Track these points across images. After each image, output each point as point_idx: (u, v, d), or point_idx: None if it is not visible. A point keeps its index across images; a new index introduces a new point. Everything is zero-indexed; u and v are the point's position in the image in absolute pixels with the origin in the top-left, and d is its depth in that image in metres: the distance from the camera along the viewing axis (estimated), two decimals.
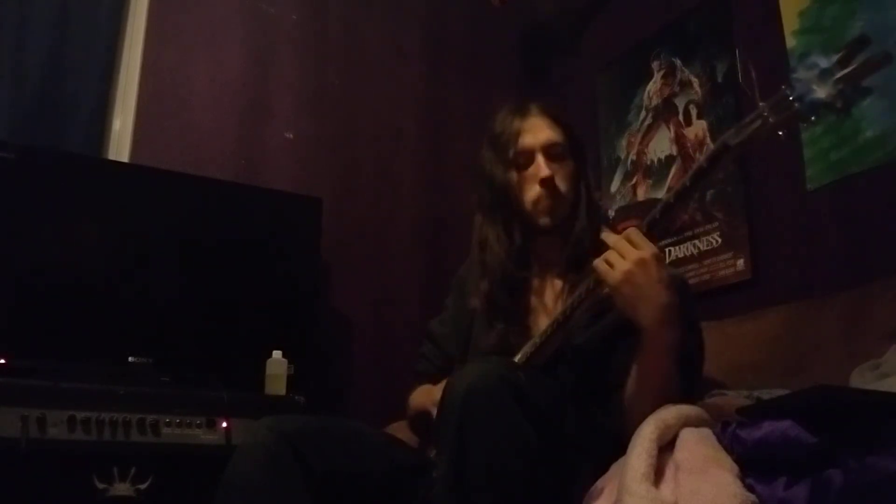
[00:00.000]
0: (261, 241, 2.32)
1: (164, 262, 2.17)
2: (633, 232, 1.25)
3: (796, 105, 1.09)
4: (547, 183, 1.48)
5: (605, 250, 1.32)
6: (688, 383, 1.31)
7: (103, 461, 1.70)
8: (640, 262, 1.21)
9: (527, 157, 1.51)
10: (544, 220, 1.50)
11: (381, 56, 2.84)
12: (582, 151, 1.58)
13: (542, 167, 1.49)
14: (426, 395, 1.53)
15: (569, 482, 1.23)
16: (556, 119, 1.55)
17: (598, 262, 1.26)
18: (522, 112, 1.55)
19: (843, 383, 1.36)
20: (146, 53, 2.46)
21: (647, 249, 1.22)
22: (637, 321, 1.24)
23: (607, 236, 1.29)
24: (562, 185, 1.50)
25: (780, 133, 1.13)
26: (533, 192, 1.50)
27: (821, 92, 1.07)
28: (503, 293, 1.51)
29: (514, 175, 1.52)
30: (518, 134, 1.52)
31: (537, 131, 1.52)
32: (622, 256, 1.23)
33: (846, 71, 1.05)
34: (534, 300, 1.54)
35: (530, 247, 1.55)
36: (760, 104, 1.13)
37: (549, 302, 1.52)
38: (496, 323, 1.51)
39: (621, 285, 1.22)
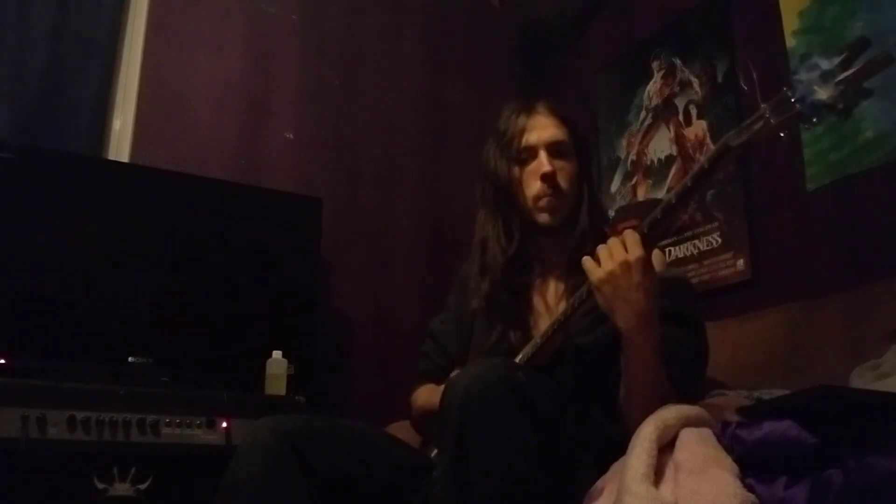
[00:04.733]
0: (261, 241, 2.32)
1: (164, 261, 2.17)
2: (628, 234, 1.24)
3: (798, 106, 1.09)
4: (548, 178, 1.49)
5: None
6: (685, 380, 1.31)
7: (103, 461, 1.70)
8: (624, 265, 1.21)
9: (530, 154, 1.52)
10: (544, 218, 1.51)
11: (381, 56, 2.84)
12: (587, 152, 1.59)
13: (543, 163, 1.50)
14: (431, 394, 1.53)
15: (569, 482, 1.23)
16: (562, 118, 1.56)
17: (586, 259, 1.27)
18: (529, 109, 1.56)
19: (843, 383, 1.36)
20: (146, 53, 2.46)
21: (634, 253, 1.22)
22: (614, 322, 1.25)
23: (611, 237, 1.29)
24: (564, 182, 1.51)
25: (782, 134, 1.13)
26: (534, 187, 1.50)
27: (822, 93, 1.06)
28: (503, 294, 1.52)
29: (516, 171, 1.53)
30: (523, 131, 1.53)
31: (542, 129, 1.53)
32: (610, 256, 1.23)
33: (848, 73, 1.04)
34: (535, 301, 1.54)
35: (532, 247, 1.55)
36: (762, 105, 1.13)
37: (551, 303, 1.52)
38: (496, 323, 1.51)
39: (602, 284, 1.23)
